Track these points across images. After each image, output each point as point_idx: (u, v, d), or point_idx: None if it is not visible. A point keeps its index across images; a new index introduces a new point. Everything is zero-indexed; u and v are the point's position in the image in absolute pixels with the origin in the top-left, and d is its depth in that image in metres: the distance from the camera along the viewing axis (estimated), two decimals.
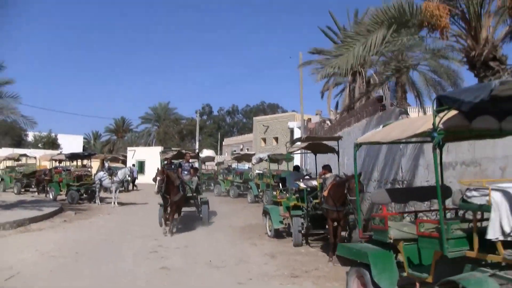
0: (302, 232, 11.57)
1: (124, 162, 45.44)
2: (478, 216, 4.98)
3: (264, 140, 40.48)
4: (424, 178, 9.62)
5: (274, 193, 14.34)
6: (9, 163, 32.59)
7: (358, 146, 6.72)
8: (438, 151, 5.55)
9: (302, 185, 11.68)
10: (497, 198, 4.57)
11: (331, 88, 24.41)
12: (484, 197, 4.69)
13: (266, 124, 39.71)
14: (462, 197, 4.98)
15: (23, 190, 27.99)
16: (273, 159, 22.75)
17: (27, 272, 9.22)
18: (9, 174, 29.63)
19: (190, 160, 17.60)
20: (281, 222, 12.59)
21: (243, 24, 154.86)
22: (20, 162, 32.05)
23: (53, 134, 66.25)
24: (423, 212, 6.70)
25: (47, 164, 30.30)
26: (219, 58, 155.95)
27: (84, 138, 74.50)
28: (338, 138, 12.34)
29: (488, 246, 4.74)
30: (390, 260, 5.86)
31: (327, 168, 11.53)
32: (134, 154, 45.82)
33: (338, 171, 11.80)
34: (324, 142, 12.81)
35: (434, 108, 5.06)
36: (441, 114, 5.00)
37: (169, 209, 14.07)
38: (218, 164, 35.02)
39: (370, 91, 17.54)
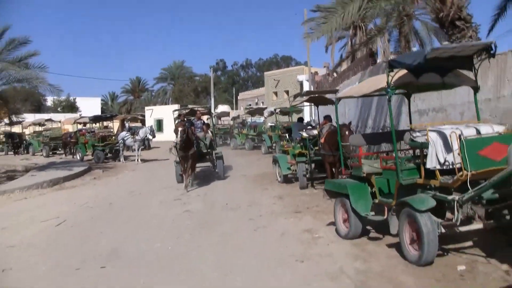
0: (307, 176, 13.16)
1: (143, 121, 47.16)
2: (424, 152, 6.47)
3: (276, 93, 41.77)
4: (406, 123, 11.11)
5: (282, 142, 15.93)
6: (35, 128, 34.55)
7: (338, 100, 8.22)
8: (392, 101, 7.00)
9: (304, 134, 13.24)
10: (433, 136, 6.05)
11: (334, 42, 25.43)
12: (424, 137, 6.19)
13: (277, 78, 40.84)
14: (410, 137, 6.48)
15: (51, 153, 29.91)
16: (283, 111, 24.18)
17: (72, 220, 11.01)
18: (37, 139, 31.57)
19: (202, 117, 18.16)
20: (289, 169, 14.12)
21: None
22: (45, 126, 33.93)
23: (71, 98, 67.86)
24: (391, 152, 8.21)
25: (70, 128, 32.28)
26: (233, 15, 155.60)
27: (101, 100, 76.15)
28: (334, 91, 13.69)
29: (431, 174, 6.27)
30: (365, 191, 7.42)
31: (327, 118, 12.98)
32: (152, 113, 47.40)
33: (337, 120, 13.26)
34: (326, 94, 14.22)
35: (387, 71, 6.51)
36: (392, 74, 6.44)
37: (187, 163, 14.48)
38: (234, 118, 36.54)
39: (369, 43, 18.63)
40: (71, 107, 66.98)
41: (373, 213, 7.34)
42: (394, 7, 11.65)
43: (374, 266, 6.25)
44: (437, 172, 6.10)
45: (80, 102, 68.10)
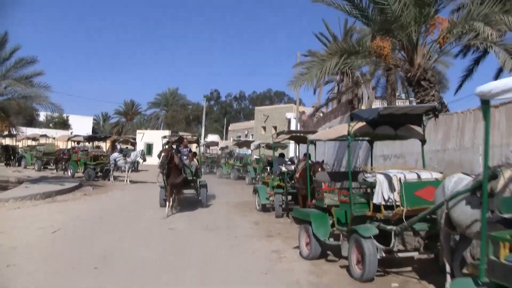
0: (283, 206, 14.54)
1: (133, 144, 48.40)
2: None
3: (264, 128, 43.35)
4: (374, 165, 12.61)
5: (263, 175, 17.35)
6: (29, 142, 35.76)
7: (309, 142, 9.70)
8: (352, 147, 8.54)
9: (283, 168, 14.67)
10: (380, 178, 7.49)
11: (321, 85, 27.14)
12: (374, 177, 7.61)
13: (266, 113, 42.58)
14: (363, 177, 7.92)
15: (42, 167, 31.05)
16: (268, 146, 25.62)
17: (66, 229, 12.22)
18: (30, 153, 32.76)
19: (190, 145, 18.78)
20: (267, 199, 15.48)
21: (254, 19, 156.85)
22: (39, 141, 35.15)
23: (64, 115, 68.85)
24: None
25: (61, 144, 33.51)
26: (230, 48, 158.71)
27: (93, 119, 77.38)
28: (313, 132, 15.14)
29: (377, 208, 7.67)
30: (325, 219, 8.78)
31: (305, 155, 14.42)
32: (143, 137, 48.66)
33: (315, 158, 14.68)
34: (305, 134, 15.69)
35: (349, 122, 8.00)
36: (352, 124, 7.91)
37: (172, 190, 15.05)
38: (222, 148, 38.00)
39: (354, 89, 20.25)
40: (63, 124, 67.78)
41: (332, 239, 8.69)
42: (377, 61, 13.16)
43: (324, 280, 7.60)
44: (382, 207, 7.50)
45: (72, 119, 68.87)
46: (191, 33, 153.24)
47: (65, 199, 18.82)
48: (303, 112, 28.63)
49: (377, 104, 17.31)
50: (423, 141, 8.48)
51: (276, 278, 7.79)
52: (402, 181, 7.19)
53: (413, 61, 11.88)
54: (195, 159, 17.85)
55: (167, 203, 14.97)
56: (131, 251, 9.58)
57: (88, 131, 61.98)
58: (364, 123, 7.92)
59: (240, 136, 55.97)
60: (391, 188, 7.34)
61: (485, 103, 4.53)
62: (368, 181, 7.74)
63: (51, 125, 65.84)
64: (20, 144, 35.86)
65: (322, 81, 26.86)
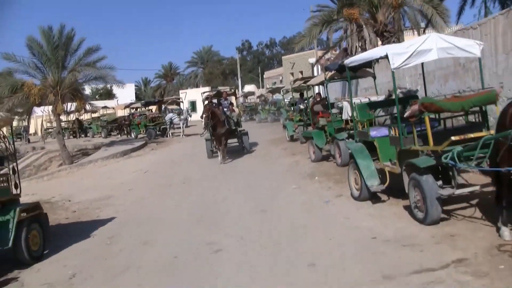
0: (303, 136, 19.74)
1: (178, 104, 54.11)
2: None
3: (292, 74, 48.02)
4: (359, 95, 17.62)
5: (288, 113, 22.54)
6: (92, 115, 41.78)
7: (307, 86, 14.86)
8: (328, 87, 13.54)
9: (301, 106, 19.78)
10: (344, 104, 12.54)
11: (331, 32, 31.29)
12: (341, 104, 12.70)
13: (292, 61, 47.42)
14: (337, 105, 13.02)
15: (108, 134, 37.07)
16: (295, 90, 30.58)
17: (152, 170, 17.86)
18: (95, 123, 38.84)
19: (229, 97, 20.59)
20: (294, 131, 20.53)
21: None
22: (99, 112, 41.20)
23: (108, 86, 74.85)
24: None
25: (120, 113, 39.46)
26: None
27: (135, 86, 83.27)
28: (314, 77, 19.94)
29: (346, 123, 12.73)
30: (321, 134, 13.87)
31: (318, 94, 19.40)
32: (186, 96, 54.06)
33: (328, 96, 19.63)
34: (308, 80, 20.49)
35: (325, 71, 13.04)
36: (327, 72, 12.96)
37: (220, 140, 16.73)
38: (258, 97, 43.30)
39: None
40: (108, 94, 73.70)
41: (328, 146, 13.88)
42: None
43: (321, 168, 12.87)
44: (349, 121, 12.56)
45: (116, 89, 74.54)
46: None
47: (138, 154, 24.53)
48: (321, 57, 33.00)
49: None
50: (374, 77, 13.39)
51: (292, 173, 13.15)
52: (356, 104, 12.20)
53: (376, 19, 16.73)
54: (236, 109, 20.72)
55: (219, 152, 17.12)
56: (202, 176, 14.99)
57: (132, 98, 67.73)
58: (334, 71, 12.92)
59: (275, 83, 60.85)
60: (352, 109, 12.38)
61: (349, 69, 9.62)
62: (339, 106, 12.84)
63: (97, 96, 71.81)
64: (83, 117, 41.86)
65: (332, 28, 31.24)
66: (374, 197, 8.63)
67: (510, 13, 8.52)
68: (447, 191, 6.81)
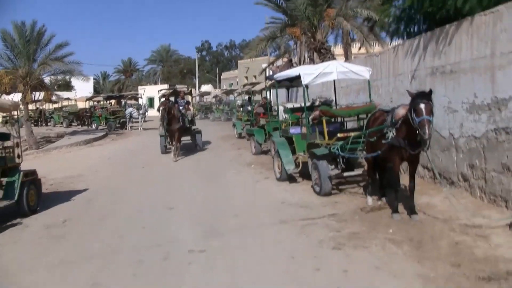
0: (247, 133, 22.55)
1: (137, 99, 56.21)
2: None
3: (246, 78, 51.17)
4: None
5: (237, 113, 25.38)
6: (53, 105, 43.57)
7: (252, 91, 17.67)
8: (269, 93, 16.39)
9: (249, 108, 22.61)
10: (280, 108, 15.39)
11: (283, 42, 34.41)
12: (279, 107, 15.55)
13: (247, 66, 50.61)
14: (274, 108, 15.85)
15: (69, 124, 39.05)
16: (247, 92, 33.52)
17: (114, 157, 20.22)
18: (57, 113, 40.75)
19: (185, 97, 21.45)
20: (242, 129, 23.35)
21: None
22: (61, 103, 43.07)
23: (66, 78, 75.94)
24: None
25: (81, 104, 41.40)
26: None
27: (94, 79, 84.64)
28: (266, 80, 22.80)
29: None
30: (261, 132, 16.69)
31: (264, 98, 22.26)
32: (144, 92, 56.28)
33: (277, 100, 22.48)
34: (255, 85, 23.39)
35: (265, 80, 15.84)
36: (267, 81, 15.77)
37: (174, 136, 17.40)
38: (214, 97, 46.10)
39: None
40: (67, 86, 74.87)
41: (265, 143, 16.69)
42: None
43: (250, 151, 15.68)
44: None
45: (74, 81, 75.78)
46: None
47: (100, 143, 26.82)
48: (273, 64, 35.92)
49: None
50: (306, 87, 16.28)
51: (235, 162, 15.88)
52: (287, 107, 15.02)
53: (315, 38, 19.77)
54: (191, 108, 21.50)
55: (172, 148, 17.96)
56: (159, 163, 17.53)
57: (90, 91, 69.27)
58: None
59: (232, 84, 63.67)
60: (285, 111, 15.15)
61: (277, 82, 12.48)
62: (275, 109, 15.68)
63: (55, 87, 72.90)
64: (45, 107, 43.63)
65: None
66: (291, 178, 11.49)
67: (397, 48, 11.53)
68: (334, 172, 9.72)
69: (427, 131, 6.84)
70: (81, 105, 42.87)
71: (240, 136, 23.49)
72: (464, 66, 8.56)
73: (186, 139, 20.01)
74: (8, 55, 26.33)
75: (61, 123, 39.26)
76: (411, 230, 7.17)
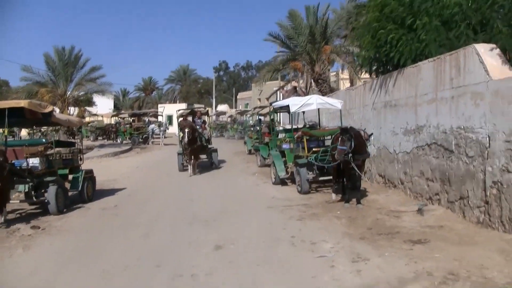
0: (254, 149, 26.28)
1: (156, 116, 60.50)
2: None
3: (260, 99, 55.21)
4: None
5: (248, 132, 29.26)
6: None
7: (257, 114, 21.50)
8: (272, 116, 20.23)
9: (258, 128, 26.41)
10: (280, 128, 19.17)
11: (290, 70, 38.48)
12: (280, 128, 19.30)
13: (260, 88, 54.73)
14: (276, 129, 19.63)
15: (96, 138, 43.20)
16: (260, 114, 37.46)
17: (141, 166, 24.17)
18: (85, 128, 44.93)
19: (202, 116, 22.72)
20: (252, 146, 27.08)
21: None
22: (89, 119, 47.43)
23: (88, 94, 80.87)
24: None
25: (106, 120, 45.56)
26: (235, 20, 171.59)
27: (114, 95, 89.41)
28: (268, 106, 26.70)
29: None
30: (266, 148, 20.36)
31: (271, 120, 26.08)
32: (164, 110, 60.52)
33: (281, 121, 26.29)
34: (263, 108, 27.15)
35: (269, 105, 19.67)
36: (271, 107, 19.58)
37: (192, 154, 18.85)
38: (229, 117, 50.22)
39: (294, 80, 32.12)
40: (88, 102, 79.65)
41: (268, 157, 20.41)
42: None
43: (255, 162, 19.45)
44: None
45: (95, 97, 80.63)
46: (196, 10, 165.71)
47: (126, 156, 30.76)
48: (282, 88, 39.80)
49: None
50: (303, 112, 19.99)
51: (244, 172, 19.64)
52: (282, 128, 18.74)
53: (314, 70, 23.65)
54: (207, 128, 22.88)
55: (189, 166, 19.32)
56: (180, 172, 21.25)
57: (110, 107, 73.80)
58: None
59: (247, 104, 67.78)
60: (286, 132, 18.84)
61: (274, 110, 16.34)
62: (276, 130, 19.41)
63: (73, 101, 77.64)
64: None
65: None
66: (283, 183, 15.26)
67: (364, 85, 15.34)
68: (311, 176, 13.49)
69: (337, 155, 10.91)
70: (106, 120, 47.11)
71: (250, 152, 27.21)
72: (401, 102, 12.34)
73: (202, 157, 21.30)
74: (50, 76, 30.63)
75: (88, 137, 43.33)
76: (352, 212, 10.91)
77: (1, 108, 11.53)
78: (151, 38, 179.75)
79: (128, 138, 38.38)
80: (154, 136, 38.67)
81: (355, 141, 10.96)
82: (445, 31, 11.50)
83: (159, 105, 64.93)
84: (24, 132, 33.09)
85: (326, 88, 23.27)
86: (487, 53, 9.04)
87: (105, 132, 42.62)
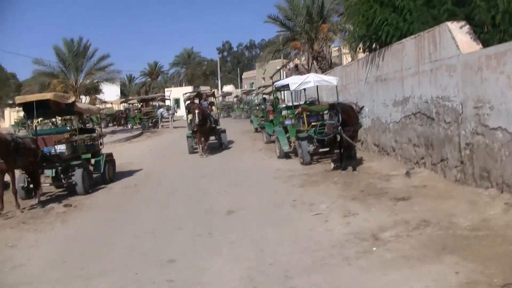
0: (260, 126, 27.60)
1: (164, 100, 61.87)
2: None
3: (264, 78, 56.39)
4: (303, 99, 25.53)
5: (254, 111, 30.55)
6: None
7: (257, 92, 22.79)
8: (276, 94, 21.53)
9: (263, 106, 27.72)
10: (282, 106, 20.46)
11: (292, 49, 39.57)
12: (283, 105, 20.60)
13: (264, 68, 55.93)
14: (280, 107, 20.94)
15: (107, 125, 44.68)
16: (264, 92, 38.68)
17: (153, 149, 25.60)
18: (96, 115, 46.39)
19: (208, 98, 23.22)
20: (258, 124, 28.41)
21: None
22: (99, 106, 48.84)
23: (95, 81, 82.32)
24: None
25: (116, 107, 46.97)
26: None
27: (120, 81, 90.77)
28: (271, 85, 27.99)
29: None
30: (270, 125, 21.66)
31: (276, 98, 27.36)
32: (171, 93, 61.81)
33: (285, 99, 27.51)
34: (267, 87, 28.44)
35: (272, 84, 20.94)
36: (273, 86, 20.84)
37: (201, 137, 19.41)
38: (235, 97, 51.54)
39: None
40: (95, 89, 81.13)
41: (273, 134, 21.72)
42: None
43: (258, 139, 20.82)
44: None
45: (102, 85, 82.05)
46: None
47: (138, 140, 32.23)
48: (285, 66, 41.01)
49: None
50: (304, 89, 21.25)
51: (250, 149, 21.01)
52: (286, 105, 20.01)
53: (313, 48, 24.83)
54: (214, 109, 23.65)
55: (199, 147, 19.96)
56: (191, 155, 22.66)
57: (117, 93, 75.14)
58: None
59: (253, 83, 69.00)
60: (288, 109, 20.09)
61: (276, 89, 17.65)
62: (279, 108, 20.68)
63: (84, 91, 79.16)
64: None
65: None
66: (287, 156, 16.61)
67: (358, 61, 16.59)
68: (311, 148, 14.83)
69: (327, 129, 12.40)
70: (115, 107, 48.54)
71: (256, 130, 28.55)
72: (390, 76, 13.60)
73: (211, 139, 21.91)
74: (61, 67, 32.02)
75: (99, 124, 44.69)
76: (348, 178, 12.26)
77: (30, 102, 12.97)
78: (155, 24, 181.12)
79: (138, 123, 39.73)
80: (163, 120, 40.03)
81: (342, 115, 12.27)
82: (428, 9, 12.64)
83: (166, 89, 66.14)
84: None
85: (325, 65, 24.46)
86: (458, 30, 10.26)
87: (115, 118, 44.02)
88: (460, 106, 9.92)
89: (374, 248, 6.82)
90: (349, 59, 32.66)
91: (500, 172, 8.63)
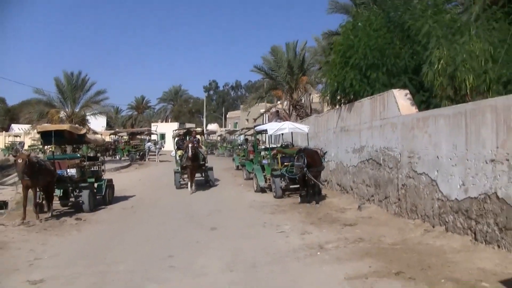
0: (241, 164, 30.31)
1: (151, 134, 64.43)
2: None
3: (247, 120, 59.52)
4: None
5: (237, 150, 33.35)
6: None
7: (238, 133, 25.63)
8: (255, 138, 24.38)
9: (244, 146, 30.49)
10: (261, 148, 23.25)
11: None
12: (263, 147, 23.38)
13: (248, 109, 59.21)
14: (261, 148, 23.72)
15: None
16: (246, 134, 41.56)
17: (142, 180, 28.12)
18: (85, 145, 48.83)
19: (197, 135, 24.22)
20: (239, 163, 31.11)
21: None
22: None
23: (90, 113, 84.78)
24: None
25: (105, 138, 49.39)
26: (226, 41, 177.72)
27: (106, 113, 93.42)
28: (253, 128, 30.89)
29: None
30: (250, 164, 24.38)
31: (257, 139, 30.16)
32: (157, 128, 64.42)
33: (267, 141, 30.33)
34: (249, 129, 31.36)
35: (253, 128, 23.80)
36: (255, 130, 23.67)
37: (192, 172, 20.51)
38: (219, 135, 54.44)
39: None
40: (82, 119, 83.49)
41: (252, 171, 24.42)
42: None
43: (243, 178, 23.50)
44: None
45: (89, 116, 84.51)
46: (188, 31, 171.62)
47: (126, 170, 34.58)
48: (268, 111, 44.18)
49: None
50: (282, 134, 24.13)
51: (231, 184, 23.67)
52: (264, 147, 22.80)
53: (292, 97, 27.88)
54: (202, 147, 24.35)
55: (189, 183, 20.93)
56: (174, 190, 25.20)
57: (103, 124, 77.51)
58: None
59: (236, 123, 72.02)
60: (265, 150, 22.85)
61: (256, 133, 20.53)
62: (259, 149, 23.47)
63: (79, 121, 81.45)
64: None
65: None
66: (262, 191, 19.31)
67: (328, 113, 19.51)
68: (283, 184, 17.60)
69: (294, 170, 15.34)
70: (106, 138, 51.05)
71: (237, 168, 31.27)
72: (351, 127, 16.53)
73: (197, 176, 22.48)
74: (59, 98, 34.71)
75: (88, 153, 47.09)
76: (311, 209, 15.02)
77: (49, 130, 15.67)
78: (144, 58, 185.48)
79: (126, 155, 42.17)
80: (150, 153, 42.59)
81: (308, 158, 15.14)
82: (389, 78, 15.53)
83: (152, 124, 68.83)
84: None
85: (302, 113, 27.47)
86: (401, 96, 13.24)
87: (105, 149, 46.44)
88: (399, 155, 12.78)
89: (318, 253, 9.53)
90: (329, 107, 35.87)
91: (423, 206, 11.44)
